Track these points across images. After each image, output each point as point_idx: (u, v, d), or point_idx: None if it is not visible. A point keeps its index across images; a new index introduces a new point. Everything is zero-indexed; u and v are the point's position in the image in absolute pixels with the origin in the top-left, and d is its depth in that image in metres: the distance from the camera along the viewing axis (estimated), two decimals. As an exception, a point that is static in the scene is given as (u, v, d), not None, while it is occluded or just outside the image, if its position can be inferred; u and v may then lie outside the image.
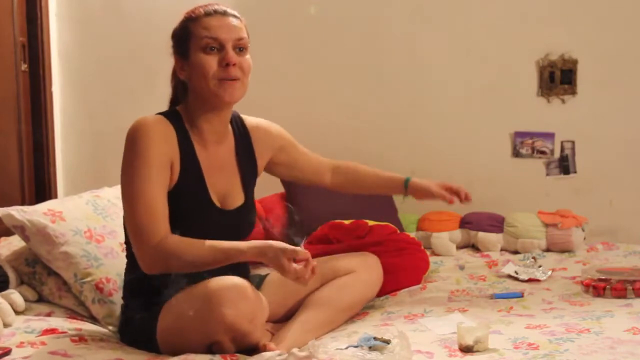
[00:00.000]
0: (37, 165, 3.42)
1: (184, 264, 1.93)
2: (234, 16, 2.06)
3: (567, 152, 3.44)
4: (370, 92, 3.52)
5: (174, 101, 2.16)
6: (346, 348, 1.88)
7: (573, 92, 3.41)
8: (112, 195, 2.63)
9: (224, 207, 2.09)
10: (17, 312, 2.21)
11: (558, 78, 3.40)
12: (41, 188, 3.40)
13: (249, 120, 2.24)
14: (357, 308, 2.33)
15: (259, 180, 3.41)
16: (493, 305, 2.37)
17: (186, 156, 2.04)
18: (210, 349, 1.94)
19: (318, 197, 3.11)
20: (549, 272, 2.71)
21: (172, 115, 2.07)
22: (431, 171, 3.47)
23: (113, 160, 3.66)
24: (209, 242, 1.92)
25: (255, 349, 1.94)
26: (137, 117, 3.83)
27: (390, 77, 3.52)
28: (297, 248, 1.88)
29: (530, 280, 2.65)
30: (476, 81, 3.46)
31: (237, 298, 1.87)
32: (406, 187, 2.35)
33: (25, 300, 2.30)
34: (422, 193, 2.34)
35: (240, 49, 2.04)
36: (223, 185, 2.10)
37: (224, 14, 2.04)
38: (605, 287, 2.41)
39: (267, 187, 3.28)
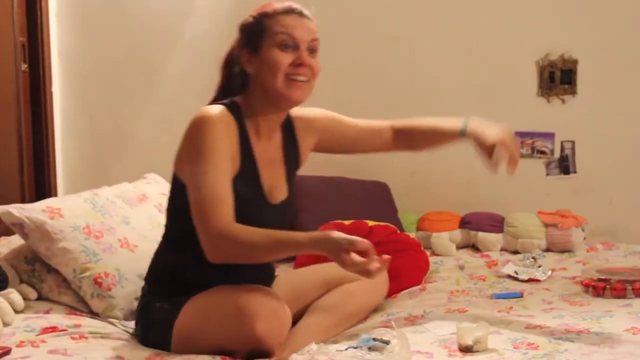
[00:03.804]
0: (37, 166, 3.42)
1: (244, 252, 1.92)
2: (309, 18, 2.06)
3: (567, 152, 3.44)
4: (370, 92, 3.52)
5: (225, 90, 2.13)
6: (346, 349, 1.88)
7: (573, 92, 3.41)
8: (111, 193, 2.63)
9: (271, 201, 2.10)
10: (16, 312, 2.21)
11: (558, 78, 3.40)
12: (41, 188, 3.41)
13: (292, 110, 2.22)
14: (363, 315, 2.29)
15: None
16: (493, 305, 2.36)
17: (244, 150, 2.04)
18: (217, 352, 1.94)
19: (318, 198, 3.11)
20: (549, 272, 2.71)
21: (232, 106, 2.06)
22: (431, 171, 3.49)
23: (113, 160, 3.70)
24: (269, 232, 1.92)
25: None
26: (137, 117, 3.85)
27: (390, 76, 3.52)
28: (355, 238, 1.81)
29: (530, 280, 2.65)
30: (476, 81, 3.45)
31: (270, 315, 1.88)
32: (463, 135, 2.25)
33: (25, 299, 2.30)
34: (479, 145, 2.18)
35: (312, 50, 2.04)
36: (271, 180, 2.11)
37: (301, 14, 2.04)
38: (605, 287, 2.41)
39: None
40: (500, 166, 2.06)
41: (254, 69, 2.05)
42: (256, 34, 2.04)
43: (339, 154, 2.37)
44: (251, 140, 2.07)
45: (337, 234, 1.85)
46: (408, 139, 2.35)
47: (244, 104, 2.08)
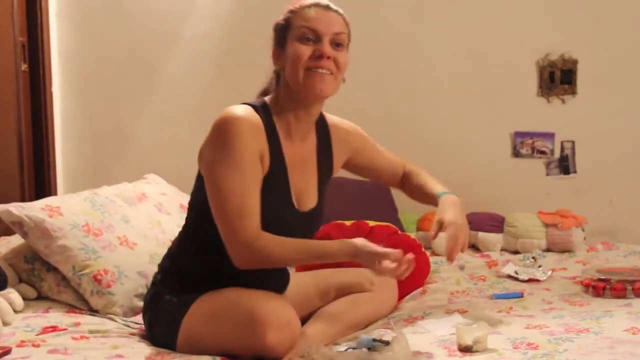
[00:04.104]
0: (37, 165, 3.42)
1: (274, 262, 1.95)
2: (336, 12, 2.02)
3: (567, 152, 3.44)
4: (370, 92, 3.52)
5: (263, 92, 2.10)
6: (346, 350, 1.88)
7: (573, 92, 3.41)
8: (111, 192, 2.64)
9: (299, 208, 2.05)
10: (16, 311, 2.22)
11: (558, 78, 3.40)
12: (41, 188, 3.41)
13: (330, 118, 2.20)
14: (366, 324, 2.26)
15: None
16: (493, 305, 2.36)
17: (273, 150, 1.99)
18: (222, 354, 1.93)
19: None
20: (549, 272, 2.71)
21: (259, 106, 2.01)
22: (431, 171, 3.47)
23: (113, 160, 3.71)
24: (300, 243, 1.95)
25: None
26: (137, 117, 3.83)
27: (390, 77, 3.52)
28: (388, 250, 1.89)
29: (530, 281, 2.65)
30: (476, 81, 3.46)
31: (283, 326, 1.87)
32: (438, 199, 2.27)
33: (25, 298, 2.31)
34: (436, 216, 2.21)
35: (338, 44, 1.99)
36: (301, 184, 2.06)
37: (326, 7, 2.01)
38: (605, 287, 2.41)
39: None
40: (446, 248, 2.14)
41: (281, 66, 2.02)
42: (282, 30, 2.02)
43: (352, 173, 2.35)
44: (281, 140, 2.01)
45: (365, 246, 1.91)
46: (406, 186, 2.37)
47: (274, 103, 2.04)
